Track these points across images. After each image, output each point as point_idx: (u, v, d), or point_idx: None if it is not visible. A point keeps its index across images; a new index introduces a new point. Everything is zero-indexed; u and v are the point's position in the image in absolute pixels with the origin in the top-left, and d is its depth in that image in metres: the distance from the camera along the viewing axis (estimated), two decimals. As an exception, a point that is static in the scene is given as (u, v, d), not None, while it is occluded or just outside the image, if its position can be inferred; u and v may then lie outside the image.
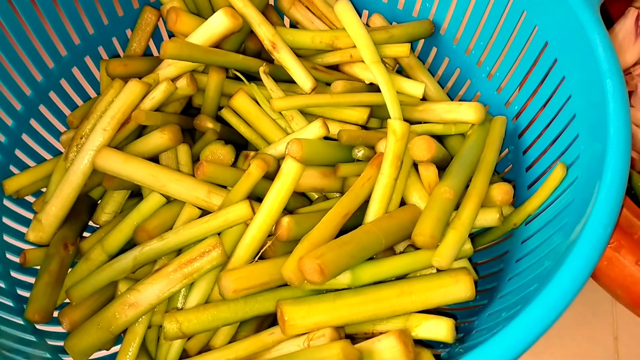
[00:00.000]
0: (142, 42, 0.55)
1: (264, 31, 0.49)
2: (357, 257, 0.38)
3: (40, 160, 0.51)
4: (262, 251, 0.40)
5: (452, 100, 0.55)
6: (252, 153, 0.46)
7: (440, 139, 0.50)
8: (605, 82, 0.37)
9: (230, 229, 0.42)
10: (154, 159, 0.46)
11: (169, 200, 0.44)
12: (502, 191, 0.42)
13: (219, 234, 0.41)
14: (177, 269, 0.40)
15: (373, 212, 0.42)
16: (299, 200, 0.46)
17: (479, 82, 0.52)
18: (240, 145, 0.49)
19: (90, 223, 0.49)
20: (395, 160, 0.43)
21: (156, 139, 0.45)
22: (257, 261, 0.40)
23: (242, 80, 0.49)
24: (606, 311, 0.55)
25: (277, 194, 0.40)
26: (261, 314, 0.38)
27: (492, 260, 0.46)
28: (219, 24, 0.48)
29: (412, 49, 0.56)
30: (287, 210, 0.44)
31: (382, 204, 0.42)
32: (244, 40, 0.52)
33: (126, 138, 0.46)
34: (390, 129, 0.43)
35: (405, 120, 0.49)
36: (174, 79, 0.48)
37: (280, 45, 0.49)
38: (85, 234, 0.48)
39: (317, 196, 0.47)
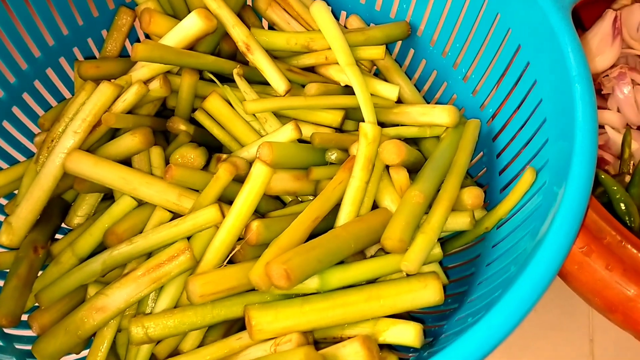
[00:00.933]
0: (117, 43, 0.54)
1: (238, 33, 0.49)
2: (325, 262, 0.38)
3: (13, 162, 0.51)
4: (231, 255, 0.40)
5: (429, 102, 0.55)
6: (224, 156, 0.46)
7: (415, 141, 0.50)
8: (574, 87, 0.37)
9: (200, 232, 0.41)
10: (127, 161, 0.46)
11: (141, 203, 0.44)
12: (472, 195, 0.42)
13: (188, 238, 0.41)
14: (145, 273, 0.40)
15: (344, 216, 0.42)
16: (272, 203, 0.46)
17: (455, 84, 0.52)
18: (214, 147, 0.49)
19: (64, 225, 0.49)
20: (367, 164, 0.42)
21: (127, 142, 0.44)
22: (226, 265, 0.40)
23: (215, 82, 0.49)
24: (582, 313, 0.55)
25: (246, 198, 0.40)
26: (229, 318, 0.38)
27: (464, 264, 0.46)
28: (192, 25, 0.47)
29: (390, 51, 0.56)
30: (259, 214, 0.44)
31: (354, 208, 0.42)
32: (219, 41, 0.52)
33: (98, 140, 0.46)
34: (362, 133, 0.43)
35: (381, 122, 0.49)
36: (147, 81, 0.48)
37: (254, 47, 0.48)
38: (58, 236, 0.48)
39: (290, 199, 0.47)
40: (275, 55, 0.52)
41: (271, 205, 0.46)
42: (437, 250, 0.41)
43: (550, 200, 0.35)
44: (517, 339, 0.54)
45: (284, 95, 0.48)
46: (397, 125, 0.49)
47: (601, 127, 0.55)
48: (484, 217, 0.43)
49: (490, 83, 0.48)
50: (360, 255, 0.43)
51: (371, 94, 0.48)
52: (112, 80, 0.46)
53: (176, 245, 0.40)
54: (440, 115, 0.47)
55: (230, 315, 0.38)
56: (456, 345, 0.28)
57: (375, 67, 0.54)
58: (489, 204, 0.47)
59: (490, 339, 0.28)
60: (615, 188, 0.48)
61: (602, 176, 0.49)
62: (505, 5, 0.44)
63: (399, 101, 0.52)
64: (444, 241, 0.46)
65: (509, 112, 0.45)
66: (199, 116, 0.48)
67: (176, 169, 0.41)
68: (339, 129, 0.48)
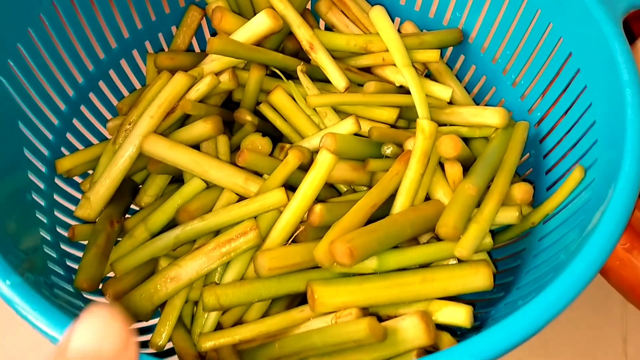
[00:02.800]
0: (186, 38, 0.58)
1: (303, 33, 0.52)
2: (384, 244, 0.41)
3: (87, 144, 0.55)
4: (295, 235, 0.43)
5: (477, 105, 0.58)
6: (287, 145, 0.49)
7: (465, 141, 0.53)
8: (625, 91, 0.39)
9: (266, 214, 0.45)
10: (196, 147, 0.49)
11: (209, 185, 0.48)
12: (522, 190, 0.45)
13: (255, 217, 0.44)
14: (215, 248, 0.43)
15: (399, 205, 0.45)
16: (329, 192, 0.49)
17: (504, 89, 0.55)
18: (275, 138, 0.52)
19: (133, 206, 0.53)
20: (423, 157, 0.45)
21: (199, 128, 0.48)
22: (289, 244, 0.43)
23: (280, 77, 0.52)
24: (616, 314, 0.57)
25: (312, 183, 0.43)
26: (292, 292, 0.41)
27: (510, 257, 0.48)
28: (261, 23, 0.51)
29: (441, 56, 0.59)
30: (319, 200, 0.47)
31: (409, 198, 0.45)
32: (283, 40, 0.55)
33: (170, 126, 0.50)
34: (419, 127, 0.46)
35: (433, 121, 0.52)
36: (217, 74, 0.51)
37: (318, 47, 0.52)
38: (127, 216, 0.52)
39: (345, 189, 0.50)
40: (334, 56, 0.55)
41: (328, 193, 0.49)
42: (488, 240, 0.43)
43: (600, 196, 0.38)
44: (554, 335, 0.57)
45: (344, 92, 0.51)
46: (448, 125, 0.52)
47: None
48: (531, 213, 0.46)
49: (539, 88, 0.50)
50: (414, 241, 0.45)
51: (425, 94, 0.51)
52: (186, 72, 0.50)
53: (245, 223, 0.43)
54: (492, 116, 0.50)
55: (293, 289, 0.41)
56: (514, 318, 0.31)
57: (426, 70, 0.57)
58: (534, 202, 0.49)
59: (546, 312, 0.31)
60: None
61: None
62: (557, 14, 0.47)
63: (450, 103, 0.55)
64: (492, 234, 0.49)
65: (557, 116, 0.48)
66: (264, 108, 0.51)
67: (249, 154, 0.44)
68: (394, 126, 0.51)
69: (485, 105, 0.57)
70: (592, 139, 0.43)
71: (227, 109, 0.54)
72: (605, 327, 0.57)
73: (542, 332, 0.31)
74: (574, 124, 0.46)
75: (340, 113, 0.52)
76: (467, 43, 0.57)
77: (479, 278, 0.41)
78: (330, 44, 0.54)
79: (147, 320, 0.46)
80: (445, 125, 0.52)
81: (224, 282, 0.44)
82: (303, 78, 0.51)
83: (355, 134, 0.49)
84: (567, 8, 0.45)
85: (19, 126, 0.46)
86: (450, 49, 0.59)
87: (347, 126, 0.48)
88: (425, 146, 0.45)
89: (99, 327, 0.24)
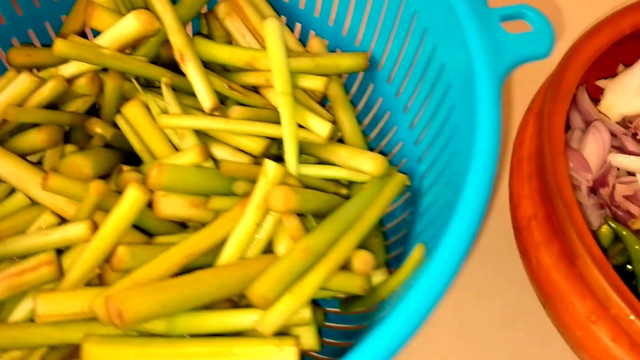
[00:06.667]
0: (75, 29, 0.53)
1: (176, 40, 0.46)
2: (173, 307, 0.35)
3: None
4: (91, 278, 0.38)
5: (379, 144, 0.51)
6: (126, 167, 0.43)
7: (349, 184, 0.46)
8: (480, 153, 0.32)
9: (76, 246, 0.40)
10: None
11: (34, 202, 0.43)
12: (361, 260, 0.38)
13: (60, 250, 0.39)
14: (5, 278, 0.38)
15: (226, 257, 0.39)
16: (167, 226, 0.43)
17: (403, 130, 0.47)
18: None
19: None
20: (262, 204, 0.39)
21: (31, 138, 0.43)
22: (78, 289, 0.37)
23: (153, 87, 0.47)
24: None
25: (114, 222, 0.38)
26: (64, 343, 0.36)
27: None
28: (128, 26, 0.45)
29: (352, 81, 0.52)
30: (149, 234, 0.42)
31: (237, 250, 0.39)
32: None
33: (12, 132, 0.45)
34: (263, 169, 0.39)
35: (313, 157, 0.46)
36: (77, 77, 0.46)
37: (189, 58, 0.46)
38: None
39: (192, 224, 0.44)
40: (226, 69, 0.49)
41: (166, 227, 0.43)
42: (307, 315, 0.37)
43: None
44: None
45: (211, 113, 0.45)
46: (330, 164, 0.45)
47: (632, 174, 0.48)
48: (381, 285, 0.39)
49: (429, 135, 0.43)
50: (229, 302, 0.39)
51: (303, 126, 0.44)
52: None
53: (42, 256, 0.38)
54: (366, 163, 0.43)
55: (66, 340, 0.36)
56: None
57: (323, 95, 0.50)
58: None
59: None
60: (637, 247, 0.43)
61: (624, 232, 0.44)
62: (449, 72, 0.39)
63: (341, 140, 0.48)
64: (343, 300, 0.42)
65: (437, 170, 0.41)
66: (119, 121, 0.46)
67: (54, 178, 0.39)
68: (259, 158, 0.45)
69: (386, 145, 0.50)
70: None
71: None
72: None
73: None
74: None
75: (208, 137, 0.45)
76: (376, 71, 0.49)
77: (282, 357, 0.35)
78: (211, 55, 0.48)
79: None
80: (327, 163, 0.45)
81: (12, 318, 0.39)
82: (166, 92, 0.45)
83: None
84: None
85: None
86: (362, 74, 0.51)
87: (189, 156, 0.42)
88: (266, 192, 0.39)
89: None
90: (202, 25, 0.55)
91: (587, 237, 0.39)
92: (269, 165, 0.39)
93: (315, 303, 0.43)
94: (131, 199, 0.38)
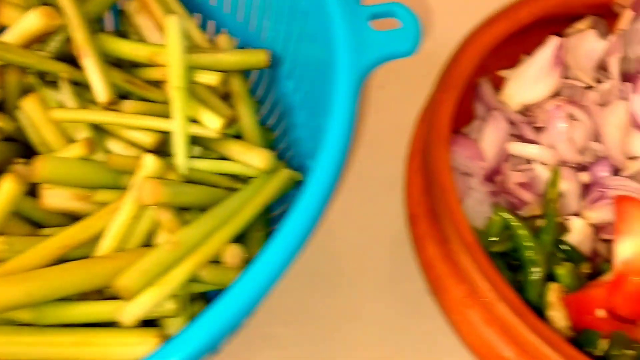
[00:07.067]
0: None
1: (76, 36, 0.47)
2: (37, 297, 0.36)
3: None
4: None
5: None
6: (21, 161, 0.44)
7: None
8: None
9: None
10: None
11: None
12: (231, 254, 0.39)
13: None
14: None
15: (103, 249, 0.40)
16: (57, 219, 0.44)
17: (300, 126, 0.48)
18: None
19: None
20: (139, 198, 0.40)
21: None
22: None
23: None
24: None
25: (-13, 213, 0.38)
26: None
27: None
28: (31, 22, 0.46)
29: (261, 77, 0.53)
30: (39, 226, 0.42)
31: (113, 242, 0.39)
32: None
33: None
34: (142, 162, 0.40)
35: (210, 151, 0.46)
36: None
37: (87, 53, 0.46)
38: None
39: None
40: (134, 64, 0.50)
41: (58, 220, 0.44)
42: (172, 307, 0.37)
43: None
44: None
45: (108, 107, 0.46)
46: (224, 158, 0.46)
47: (529, 162, 0.49)
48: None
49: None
50: (98, 294, 0.40)
51: (195, 121, 0.45)
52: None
53: None
54: (254, 158, 0.44)
55: None
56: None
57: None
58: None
59: None
60: (521, 232, 0.43)
61: (512, 221, 0.44)
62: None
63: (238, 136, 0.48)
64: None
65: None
66: (18, 115, 0.47)
67: None
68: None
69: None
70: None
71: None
72: None
73: None
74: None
75: (104, 131, 0.46)
76: (278, 68, 0.50)
77: (144, 349, 0.35)
78: (115, 51, 0.48)
79: None
80: (223, 159, 0.46)
81: None
82: (64, 86, 0.46)
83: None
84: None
85: None
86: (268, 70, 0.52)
87: (75, 149, 0.42)
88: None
89: None
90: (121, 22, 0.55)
91: (458, 219, 0.39)
92: (148, 158, 0.40)
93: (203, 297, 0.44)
94: (6, 191, 0.38)
